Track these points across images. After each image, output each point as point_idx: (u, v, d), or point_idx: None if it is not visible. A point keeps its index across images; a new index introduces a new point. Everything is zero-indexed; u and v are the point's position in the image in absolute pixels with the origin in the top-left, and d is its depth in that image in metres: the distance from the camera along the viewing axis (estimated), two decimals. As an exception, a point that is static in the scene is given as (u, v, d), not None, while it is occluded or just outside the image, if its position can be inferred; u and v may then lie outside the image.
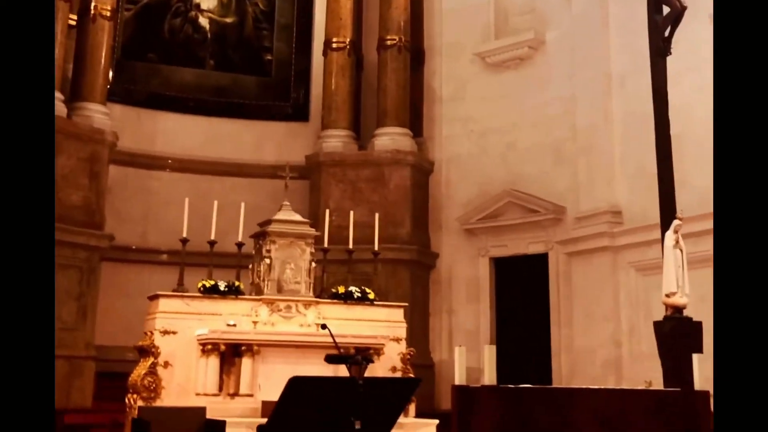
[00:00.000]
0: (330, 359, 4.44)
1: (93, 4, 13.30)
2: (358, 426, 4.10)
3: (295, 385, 4.17)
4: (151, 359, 9.04)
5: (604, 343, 11.63)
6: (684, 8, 9.98)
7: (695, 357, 6.01)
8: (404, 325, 10.24)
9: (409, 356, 10.05)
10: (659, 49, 10.08)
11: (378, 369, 9.56)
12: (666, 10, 10.13)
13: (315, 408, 4.14)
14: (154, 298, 9.46)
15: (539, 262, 12.88)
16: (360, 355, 4.27)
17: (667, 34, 10.09)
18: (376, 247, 10.62)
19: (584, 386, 7.80)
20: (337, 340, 9.10)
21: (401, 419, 9.65)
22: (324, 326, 4.98)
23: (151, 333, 9.18)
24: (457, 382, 5.64)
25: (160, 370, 9.04)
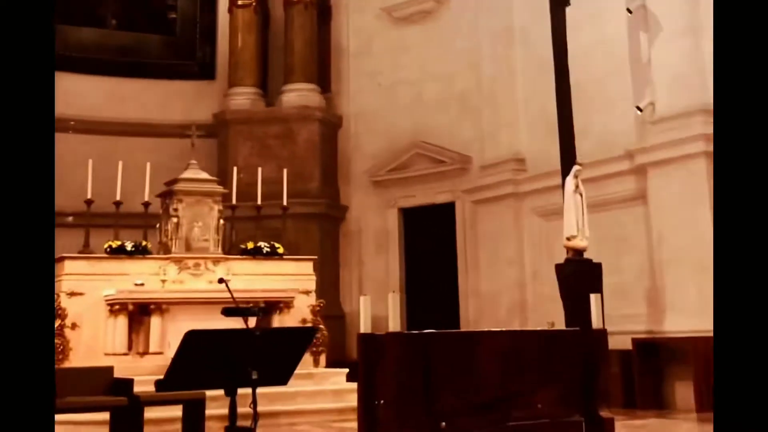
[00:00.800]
0: (226, 312, 4.34)
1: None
2: (255, 376, 4.05)
3: (191, 338, 4.08)
4: (58, 321, 8.81)
5: (509, 287, 11.75)
6: (582, -43, 10.01)
7: (593, 297, 6.07)
8: (313, 277, 10.20)
9: (318, 308, 10.02)
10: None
11: (288, 321, 9.54)
12: (565, -41, 10.15)
13: (212, 360, 4.06)
14: (60, 260, 9.19)
15: (447, 211, 12.91)
16: (255, 307, 4.19)
17: (566, -17, 10.12)
18: (285, 203, 10.50)
19: (493, 329, 7.86)
20: (246, 295, 9.11)
21: (312, 369, 9.68)
22: (221, 280, 4.86)
23: (58, 295, 8.94)
24: (362, 331, 5.57)
25: (67, 332, 8.84)
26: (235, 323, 4.53)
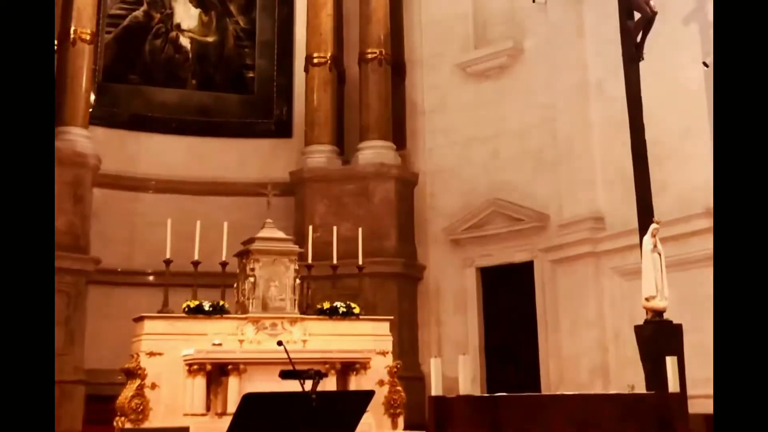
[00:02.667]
0: (284, 375, 4.57)
1: (73, 28, 13.47)
2: None
3: (248, 401, 4.31)
4: (138, 381, 9.20)
5: (590, 349, 11.80)
6: (654, 14, 10.20)
7: (669, 360, 6.17)
8: (390, 338, 10.43)
9: (395, 369, 10.22)
10: (632, 55, 10.31)
11: (365, 382, 9.74)
12: (637, 16, 10.36)
13: (269, 423, 4.27)
14: (140, 320, 9.63)
15: (525, 270, 13.05)
16: (311, 370, 4.41)
17: (639, 39, 10.32)
18: (360, 262, 10.80)
19: (567, 392, 7.95)
20: (322, 355, 9.40)
21: (389, 431, 9.87)
22: (280, 343, 5.12)
23: (137, 355, 9.35)
24: (433, 393, 5.80)
25: (147, 391, 9.21)
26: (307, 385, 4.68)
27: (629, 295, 11.16)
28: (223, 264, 10.25)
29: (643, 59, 10.21)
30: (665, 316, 9.17)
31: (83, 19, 13.58)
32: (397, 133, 14.58)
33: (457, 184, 13.97)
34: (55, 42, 13.52)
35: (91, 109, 13.74)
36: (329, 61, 14.64)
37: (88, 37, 13.56)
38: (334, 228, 11.04)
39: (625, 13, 10.39)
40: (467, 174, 13.91)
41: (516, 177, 13.41)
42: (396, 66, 14.91)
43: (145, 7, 15.44)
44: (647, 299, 9.16)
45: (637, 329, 9.27)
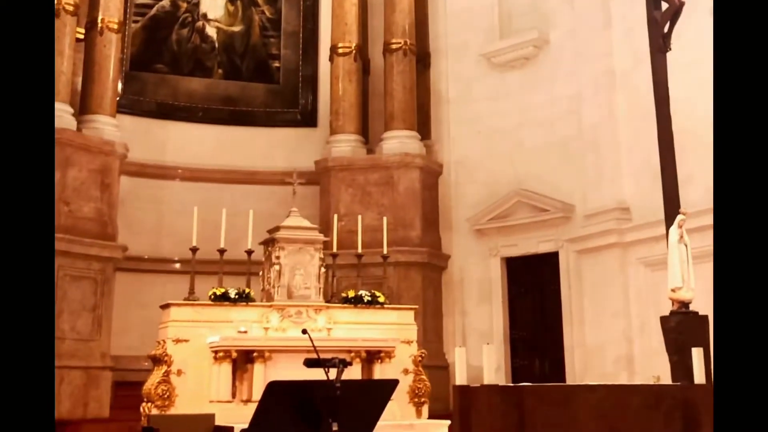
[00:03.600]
0: (308, 363, 4.58)
1: (100, 17, 13.53)
2: (335, 428, 4.24)
3: (273, 389, 4.34)
4: (164, 368, 9.26)
5: (615, 340, 11.75)
6: (682, 4, 10.09)
7: (695, 351, 6.14)
8: (415, 327, 10.42)
9: (420, 358, 10.22)
10: (659, 45, 10.20)
11: (389, 371, 9.74)
12: (665, 6, 10.27)
13: (293, 411, 4.29)
14: (166, 307, 9.69)
15: (550, 261, 13.01)
16: (336, 359, 4.41)
17: (666, 29, 10.22)
18: (385, 251, 10.81)
19: (592, 383, 7.93)
20: (347, 344, 9.42)
21: (414, 420, 9.91)
22: (304, 331, 5.12)
23: (164, 342, 9.40)
24: (458, 383, 5.80)
25: (173, 378, 9.26)
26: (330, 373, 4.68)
27: (655, 286, 11.10)
28: (249, 252, 10.28)
29: (670, 50, 10.12)
30: (691, 307, 9.12)
31: (111, 9, 13.63)
32: (422, 122, 14.56)
33: (482, 175, 13.94)
34: (83, 30, 13.61)
35: (118, 98, 13.79)
36: (354, 51, 14.63)
37: (115, 26, 13.61)
38: (359, 217, 11.05)
39: (652, 2, 10.30)
40: (492, 164, 13.88)
41: (541, 167, 13.35)
42: (421, 55, 14.88)
43: (172, -5, 15.50)
44: (673, 290, 9.09)
45: (663, 320, 9.21)
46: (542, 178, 13.31)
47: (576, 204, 12.82)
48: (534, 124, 13.63)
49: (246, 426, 8.26)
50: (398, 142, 14.10)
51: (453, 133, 14.50)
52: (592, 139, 12.71)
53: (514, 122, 13.82)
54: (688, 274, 9.13)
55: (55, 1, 12.85)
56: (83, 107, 13.28)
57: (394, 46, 14.49)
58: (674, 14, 10.21)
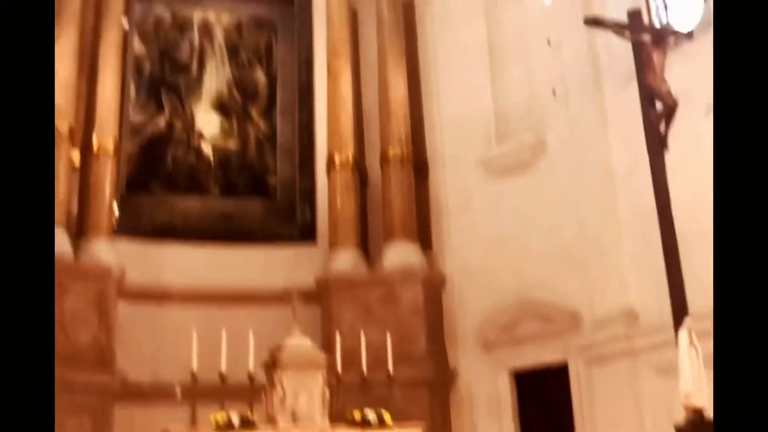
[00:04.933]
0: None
1: (95, 139, 13.87)
2: None
3: None
4: (170, 501, 9.22)
5: (632, 453, 11.63)
6: (676, 104, 10.38)
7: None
8: (423, 446, 10.39)
9: (430, 479, 10.17)
10: (656, 146, 10.44)
11: (398, 492, 9.70)
12: (659, 106, 10.54)
13: None
14: (168, 436, 9.68)
15: (560, 372, 12.93)
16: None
17: (662, 129, 10.48)
18: (390, 370, 10.84)
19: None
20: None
21: None
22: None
23: (166, 473, 9.38)
24: None
25: None
26: None
27: (668, 393, 11.04)
28: (251, 376, 10.31)
29: (668, 149, 10.35)
30: (705, 413, 9.10)
31: (105, 130, 14.01)
32: (423, 232, 14.71)
33: (486, 284, 13.98)
34: (78, 152, 13.90)
35: (114, 221, 13.99)
36: (351, 163, 14.92)
37: (110, 148, 13.94)
38: (362, 334, 11.13)
39: (647, 103, 10.58)
40: (496, 273, 13.94)
41: (546, 274, 13.41)
42: (418, 165, 15.14)
43: (167, 114, 15.87)
44: (685, 396, 9.11)
45: (678, 430, 9.19)
46: (548, 285, 13.37)
47: (583, 311, 12.83)
48: (537, 230, 13.74)
49: None
50: (399, 254, 14.22)
51: (454, 242, 14.62)
52: (596, 244, 12.83)
53: (516, 229, 13.95)
54: (700, 378, 9.16)
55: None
56: (79, 232, 13.51)
57: (391, 157, 14.77)
58: (669, 114, 10.49)
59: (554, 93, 13.66)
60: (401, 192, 14.56)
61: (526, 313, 13.46)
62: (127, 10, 15.39)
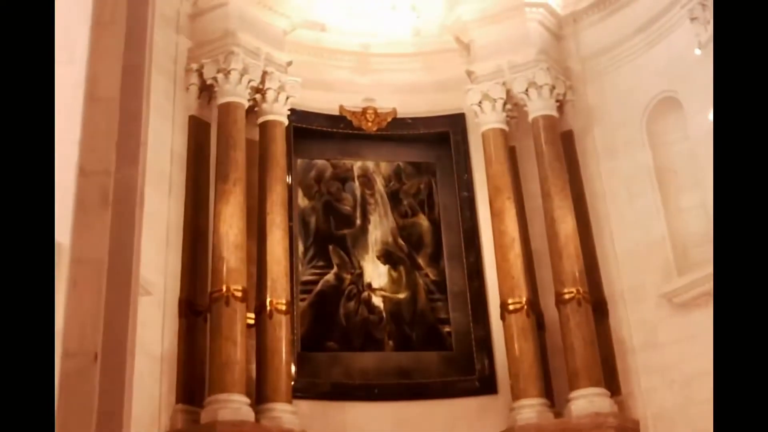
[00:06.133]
0: None
1: (269, 300, 14.10)
2: None
3: None
4: None
5: None
6: None
7: None
8: None
9: None
10: None
11: None
12: None
13: None
14: None
15: None
16: None
17: None
18: None
19: None
20: None
21: None
22: None
23: None
24: None
25: None
26: None
27: None
28: None
29: None
30: None
31: (278, 290, 14.25)
32: (609, 376, 14.14)
33: (683, 428, 13.28)
34: (252, 315, 14.17)
35: (293, 382, 14.08)
36: (525, 306, 14.60)
37: (284, 308, 14.14)
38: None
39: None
40: (693, 415, 13.21)
41: (748, 411, 12.63)
42: (596, 303, 14.69)
43: (335, 269, 16.09)
44: None
45: None
46: (751, 424, 12.57)
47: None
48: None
49: None
50: (586, 401, 13.68)
51: (644, 384, 14.01)
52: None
53: (708, 365, 13.18)
54: None
55: (224, 288, 13.56)
56: (259, 396, 13.62)
57: (566, 296, 14.39)
58: None
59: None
60: (581, 334, 14.10)
61: (733, 459, 12.63)
62: (290, 165, 15.83)
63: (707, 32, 13.78)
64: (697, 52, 14.09)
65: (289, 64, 15.87)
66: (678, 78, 14.86)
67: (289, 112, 15.78)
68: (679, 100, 14.96)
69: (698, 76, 14.17)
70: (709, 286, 13.55)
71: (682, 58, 14.64)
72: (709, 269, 13.53)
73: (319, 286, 15.93)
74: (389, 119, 17.02)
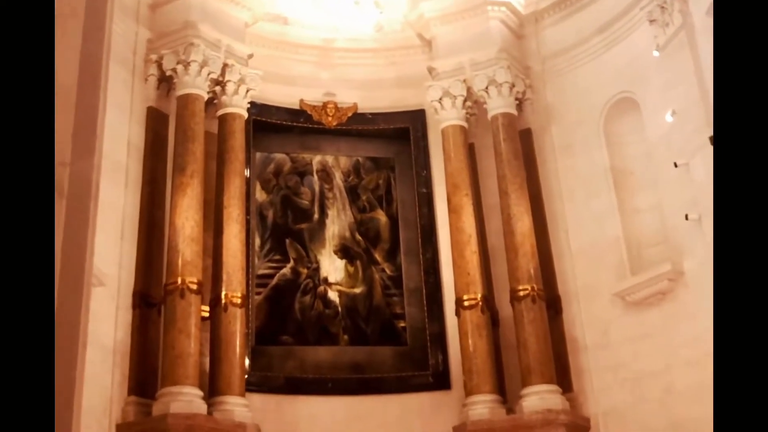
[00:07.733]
0: None
1: (224, 293, 14.11)
2: None
3: None
4: None
5: None
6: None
7: None
8: None
9: None
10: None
11: None
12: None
13: None
14: None
15: None
16: None
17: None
18: None
19: None
20: None
21: None
22: None
23: None
24: None
25: None
26: None
27: None
28: None
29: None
30: None
31: (233, 283, 14.25)
32: (561, 373, 14.33)
33: (633, 425, 13.52)
34: (207, 308, 14.18)
35: (246, 376, 14.12)
36: (480, 302, 14.74)
37: (239, 300, 14.15)
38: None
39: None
40: (643, 413, 13.48)
41: (696, 411, 12.87)
42: (551, 300, 14.88)
43: (292, 263, 16.14)
44: None
45: None
46: (699, 422, 12.80)
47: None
48: (682, 363, 13.30)
49: None
50: (538, 398, 13.86)
51: (596, 382, 14.23)
52: (748, 379, 12.29)
53: (660, 365, 13.52)
54: None
55: (179, 280, 13.56)
56: (212, 389, 13.64)
57: (521, 293, 14.55)
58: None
59: (687, 218, 13.40)
60: (535, 331, 14.27)
61: (682, 459, 12.93)
62: (248, 159, 15.84)
63: (665, 34, 14.05)
64: (656, 53, 14.36)
65: (250, 56, 15.86)
66: (636, 79, 15.11)
67: (248, 105, 15.77)
68: (636, 101, 15.21)
69: (656, 77, 14.45)
70: (662, 285, 13.88)
71: (641, 60, 14.89)
72: (663, 269, 13.86)
73: (275, 280, 15.97)
74: (350, 114, 17.09)
